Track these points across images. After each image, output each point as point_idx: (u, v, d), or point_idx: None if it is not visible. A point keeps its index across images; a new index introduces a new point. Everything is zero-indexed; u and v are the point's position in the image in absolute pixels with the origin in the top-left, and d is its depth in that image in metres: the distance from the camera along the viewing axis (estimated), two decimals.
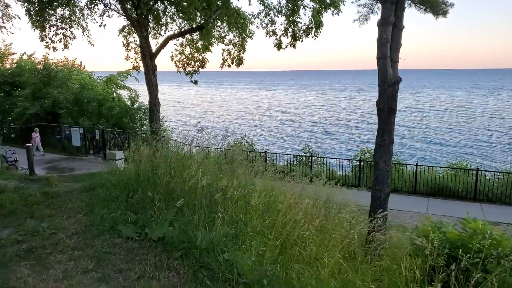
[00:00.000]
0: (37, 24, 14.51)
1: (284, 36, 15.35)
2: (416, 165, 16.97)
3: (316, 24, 15.02)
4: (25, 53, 32.65)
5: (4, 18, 17.87)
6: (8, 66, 32.80)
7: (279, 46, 15.46)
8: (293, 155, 21.10)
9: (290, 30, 15.04)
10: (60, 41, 14.54)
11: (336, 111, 77.79)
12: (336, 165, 19.14)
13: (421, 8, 9.87)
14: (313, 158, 19.02)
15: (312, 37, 15.55)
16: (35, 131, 24.54)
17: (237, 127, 57.60)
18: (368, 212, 8.94)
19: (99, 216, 6.21)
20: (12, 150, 21.67)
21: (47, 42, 14.33)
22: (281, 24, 15.31)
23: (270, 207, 6.22)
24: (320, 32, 15.20)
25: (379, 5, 9.02)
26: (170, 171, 6.65)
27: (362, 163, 18.26)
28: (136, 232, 5.83)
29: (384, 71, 8.93)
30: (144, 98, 29.49)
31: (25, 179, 8.15)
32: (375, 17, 10.97)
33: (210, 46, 17.08)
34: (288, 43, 15.02)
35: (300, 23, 14.69)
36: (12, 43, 33.57)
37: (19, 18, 17.84)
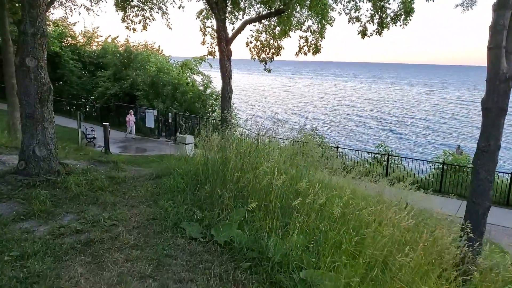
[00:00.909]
0: (120, 5, 14.57)
1: (369, 23, 13.90)
2: None
3: (406, 10, 13.35)
4: (109, 36, 34.11)
5: (92, 1, 18.36)
6: (94, 48, 34.48)
7: (363, 33, 14.04)
8: (367, 152, 19.56)
9: (377, 16, 13.54)
10: (140, 23, 14.52)
11: (416, 108, 72.39)
12: (414, 167, 17.38)
13: None
14: (390, 157, 17.38)
15: (401, 25, 13.90)
16: (130, 113, 24.55)
17: (302, 118, 56.23)
18: (460, 226, 7.51)
19: (163, 210, 5.61)
20: (91, 127, 22.53)
21: (128, 23, 14.37)
22: (367, 10, 13.86)
23: (357, 218, 5.17)
24: (410, 20, 13.51)
25: None
26: (241, 165, 5.86)
27: (445, 167, 16.28)
28: (201, 232, 5.12)
29: (496, 64, 7.30)
30: (216, 84, 29.51)
31: (95, 160, 7.83)
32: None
33: (290, 30, 16.07)
34: (374, 31, 13.55)
35: (389, 8, 13.15)
36: (99, 27, 35.07)
37: (106, 1, 18.26)
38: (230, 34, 15.13)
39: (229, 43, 14.34)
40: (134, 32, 14.55)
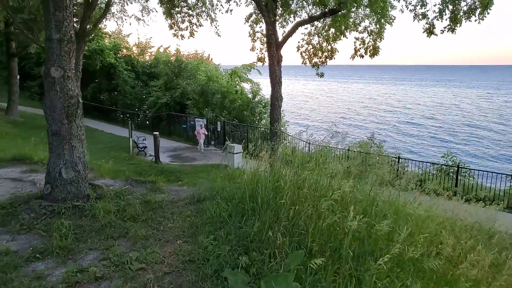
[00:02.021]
0: (167, 12, 13.95)
1: (437, 19, 12.11)
2: None
3: (483, 3, 11.43)
4: (161, 46, 34.36)
5: (143, 11, 18.01)
6: (147, 58, 34.88)
7: (430, 31, 12.26)
8: (431, 163, 17.47)
9: (447, 11, 11.73)
10: (187, 29, 13.80)
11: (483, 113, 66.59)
12: (485, 179, 15.14)
13: None
14: (460, 169, 15.25)
15: (476, 20, 11.97)
16: (201, 126, 22.67)
17: (348, 127, 53.61)
18: None
19: (202, 248, 4.48)
20: (143, 136, 22.28)
21: (175, 30, 13.70)
22: (434, 5, 12.08)
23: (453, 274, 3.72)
24: (488, 14, 11.57)
25: None
26: (298, 195, 4.61)
27: None
28: (248, 284, 3.92)
29: None
30: (264, 91, 28.49)
31: (132, 180, 6.91)
32: None
33: (346, 31, 14.60)
34: (444, 28, 11.73)
35: (463, 1, 11.31)
36: (151, 37, 35.62)
37: (156, 11, 17.85)
38: (280, 38, 13.96)
39: (279, 47, 13.18)
40: (182, 39, 13.89)
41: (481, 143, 43.47)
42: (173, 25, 13.66)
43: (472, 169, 16.04)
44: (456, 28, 11.49)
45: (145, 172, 18.35)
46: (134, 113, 30.84)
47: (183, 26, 13.79)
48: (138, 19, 18.91)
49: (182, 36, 13.95)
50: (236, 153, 19.27)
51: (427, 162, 17.16)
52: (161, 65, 30.19)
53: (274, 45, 12.84)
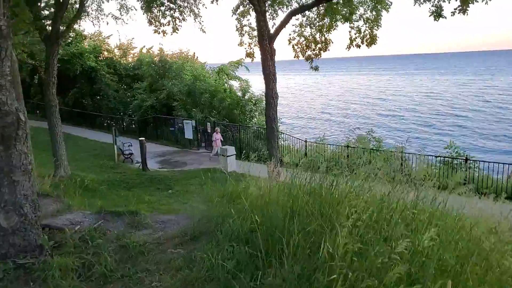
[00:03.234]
0: (146, 7, 12.30)
1: (444, 1, 10.71)
2: None
3: None
4: (144, 46, 32.47)
5: (122, 9, 16.30)
6: (130, 60, 32.98)
7: (437, 14, 10.84)
8: (435, 156, 16.20)
9: None
10: (169, 24, 12.16)
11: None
12: (492, 171, 13.94)
13: None
14: (469, 161, 13.98)
15: (483, 0, 10.58)
16: (217, 131, 20.06)
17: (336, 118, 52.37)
18: None
19: None
20: (129, 142, 20.59)
21: (156, 26, 12.04)
22: None
23: None
24: None
25: None
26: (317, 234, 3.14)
27: None
28: None
29: None
30: (254, 88, 26.93)
31: (106, 212, 5.31)
32: None
33: (351, 15, 13.08)
34: (455, 9, 10.31)
35: None
36: (133, 38, 33.59)
37: (135, 9, 16.12)
38: (272, 30, 12.42)
39: (272, 40, 11.68)
40: (164, 35, 12.22)
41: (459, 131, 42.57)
42: (153, 20, 12.00)
43: (481, 161, 14.77)
44: (467, 9, 10.10)
45: (132, 182, 16.74)
46: (119, 117, 29.01)
47: (164, 21, 12.17)
48: (116, 18, 17.19)
49: (164, 33, 12.31)
50: (229, 156, 17.78)
51: (431, 156, 15.88)
52: (145, 66, 28.39)
53: (266, 38, 11.33)
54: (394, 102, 68.14)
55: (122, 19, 17.18)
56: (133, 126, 28.40)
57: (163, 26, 12.11)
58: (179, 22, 12.26)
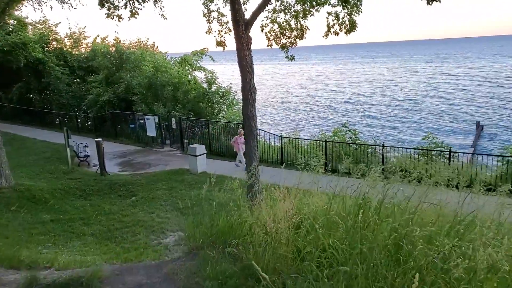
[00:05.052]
0: None
1: None
2: None
3: None
4: (98, 36, 29.72)
5: None
6: (82, 50, 30.14)
7: None
8: (414, 148, 15.51)
9: None
10: (125, 7, 10.28)
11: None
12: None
13: None
14: (452, 153, 13.31)
15: None
16: (240, 134, 16.02)
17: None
18: None
19: None
20: (84, 143, 18.43)
21: (109, 9, 10.11)
22: None
23: None
24: None
25: None
26: None
27: None
28: None
29: None
30: (221, 80, 25.26)
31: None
32: None
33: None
34: None
35: None
36: (85, 26, 30.64)
37: None
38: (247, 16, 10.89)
39: (248, 26, 10.16)
40: (119, 20, 10.29)
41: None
42: (104, 3, 10.06)
43: (465, 152, 14.18)
44: None
45: (90, 189, 14.74)
46: (72, 114, 26.38)
47: (120, 3, 10.26)
48: (62, 2, 14.97)
49: (120, 18, 10.40)
50: (199, 155, 16.19)
51: (408, 148, 15.13)
52: (100, 57, 25.84)
53: (242, 24, 9.80)
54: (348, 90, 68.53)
55: (69, 3, 15.00)
56: (89, 123, 25.92)
57: (118, 9, 10.21)
58: (138, 4, 10.44)
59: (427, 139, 16.22)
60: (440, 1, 9.90)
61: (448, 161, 13.29)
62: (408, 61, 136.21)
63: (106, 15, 10.34)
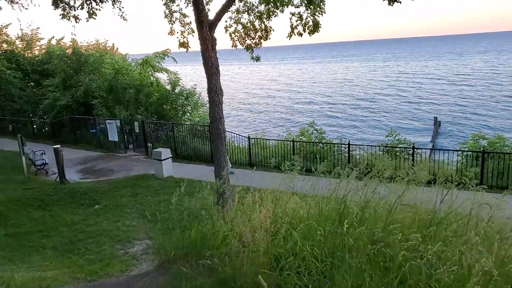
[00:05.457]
0: None
1: None
2: None
3: None
4: (53, 37, 28.28)
5: None
6: (36, 53, 28.58)
7: None
8: (379, 146, 15.84)
9: None
10: (82, 8, 9.69)
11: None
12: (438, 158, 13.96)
13: None
14: (415, 149, 13.71)
15: None
16: None
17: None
18: None
19: None
20: (41, 150, 17.43)
21: (64, 9, 9.48)
22: None
23: None
24: None
25: None
26: None
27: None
28: None
29: None
30: (185, 81, 24.78)
31: None
32: None
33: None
34: None
35: None
36: (39, 28, 29.03)
37: None
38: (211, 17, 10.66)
39: (213, 27, 9.94)
40: (76, 21, 9.67)
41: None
42: (58, 2, 9.44)
43: (427, 148, 14.66)
44: None
45: (49, 198, 13.91)
46: (27, 120, 24.95)
47: (76, 4, 9.66)
48: (12, 2, 14.02)
49: (77, 18, 9.80)
50: (164, 160, 15.73)
51: (374, 146, 15.46)
52: (56, 60, 24.59)
53: (206, 25, 9.56)
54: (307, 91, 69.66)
55: (20, 3, 14.07)
56: (46, 129, 24.60)
57: (74, 9, 9.60)
58: (96, 4, 9.88)
59: (390, 136, 16.66)
60: (400, 2, 10.16)
61: (412, 157, 13.70)
62: (367, 60, 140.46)
63: (61, 15, 9.74)
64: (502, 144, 14.08)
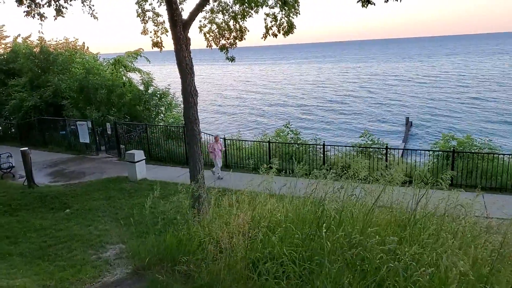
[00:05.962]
0: None
1: None
2: None
3: None
4: (19, 35, 27.15)
5: None
6: (1, 51, 27.38)
7: (366, 0, 10.09)
8: (353, 146, 16.08)
9: None
10: (49, 5, 9.26)
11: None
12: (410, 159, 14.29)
13: None
14: (388, 150, 13.99)
15: None
16: (217, 140, 15.18)
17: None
18: None
19: None
20: (7, 153, 16.71)
21: (28, 6, 8.99)
22: None
23: None
24: None
25: None
26: None
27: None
28: None
29: None
30: (158, 82, 24.37)
31: None
32: None
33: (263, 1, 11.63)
34: None
35: None
36: (4, 25, 27.84)
37: None
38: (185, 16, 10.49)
39: (186, 27, 9.78)
40: (41, 19, 9.23)
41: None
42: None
43: (399, 149, 15.00)
44: None
45: (16, 203, 13.33)
46: None
47: (42, 1, 9.22)
48: None
49: (42, 16, 9.33)
50: (137, 162, 15.38)
51: (349, 146, 15.68)
52: (22, 59, 23.63)
53: (180, 24, 9.39)
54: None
55: None
56: (12, 131, 23.60)
57: (40, 7, 9.14)
58: (64, 2, 9.47)
59: (364, 137, 16.93)
60: (374, 4, 10.30)
61: (385, 157, 13.97)
62: (339, 61, 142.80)
63: (26, 13, 9.27)
64: (470, 144, 14.57)
